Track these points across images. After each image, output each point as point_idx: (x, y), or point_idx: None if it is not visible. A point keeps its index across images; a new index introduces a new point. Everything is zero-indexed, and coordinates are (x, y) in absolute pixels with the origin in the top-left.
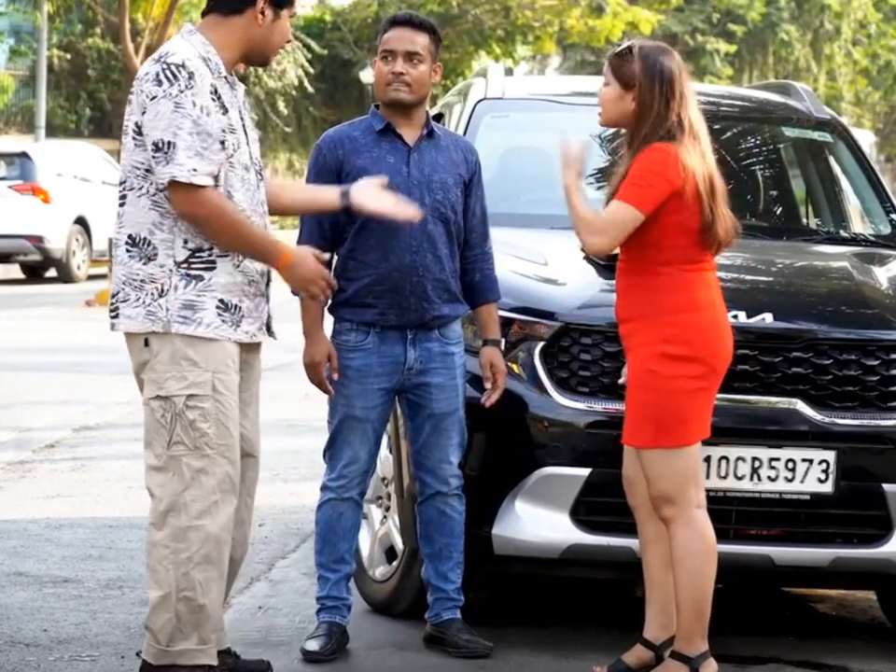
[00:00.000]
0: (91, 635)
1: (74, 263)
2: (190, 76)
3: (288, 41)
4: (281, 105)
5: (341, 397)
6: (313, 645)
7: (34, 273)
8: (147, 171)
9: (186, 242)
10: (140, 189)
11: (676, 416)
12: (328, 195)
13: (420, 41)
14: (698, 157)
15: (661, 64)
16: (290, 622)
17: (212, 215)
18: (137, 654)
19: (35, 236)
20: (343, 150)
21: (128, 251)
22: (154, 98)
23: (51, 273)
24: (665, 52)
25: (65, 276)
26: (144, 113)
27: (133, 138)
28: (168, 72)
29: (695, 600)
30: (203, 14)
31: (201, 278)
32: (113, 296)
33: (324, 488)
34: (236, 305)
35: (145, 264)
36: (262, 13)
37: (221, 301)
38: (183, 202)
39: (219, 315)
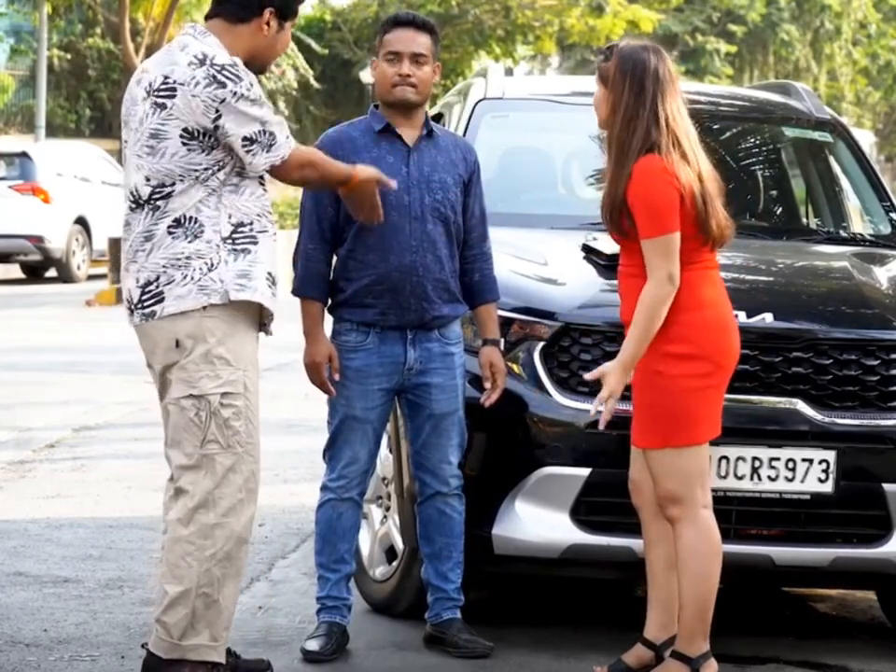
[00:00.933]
0: (91, 635)
1: (74, 263)
2: (245, 71)
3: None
4: (281, 104)
5: (341, 397)
6: (313, 645)
7: (34, 273)
8: (205, 169)
9: (230, 216)
10: (195, 180)
11: (684, 415)
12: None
13: (423, 42)
14: (684, 162)
15: (634, 60)
16: (290, 622)
17: (309, 155)
18: (143, 646)
19: (35, 236)
20: (342, 150)
21: (171, 233)
22: (224, 101)
23: (51, 273)
24: (645, 49)
25: (65, 276)
26: (216, 118)
27: (185, 143)
28: (226, 72)
29: (699, 600)
30: (207, 17)
31: (248, 251)
32: (149, 283)
33: (324, 488)
34: (275, 276)
35: (190, 242)
36: (268, 24)
37: (269, 273)
38: (292, 168)
39: (269, 287)
